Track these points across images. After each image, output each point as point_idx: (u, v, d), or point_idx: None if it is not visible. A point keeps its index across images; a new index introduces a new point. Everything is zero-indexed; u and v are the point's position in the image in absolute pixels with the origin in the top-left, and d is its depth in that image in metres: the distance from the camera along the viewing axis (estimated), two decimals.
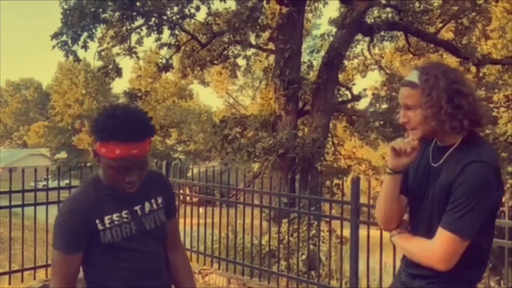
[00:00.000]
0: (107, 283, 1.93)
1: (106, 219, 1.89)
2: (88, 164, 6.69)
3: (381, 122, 11.46)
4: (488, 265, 4.09)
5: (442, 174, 1.94)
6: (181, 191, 6.50)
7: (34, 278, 5.46)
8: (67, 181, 6.04)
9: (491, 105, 11.33)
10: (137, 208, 1.95)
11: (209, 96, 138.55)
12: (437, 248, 1.89)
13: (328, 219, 5.60)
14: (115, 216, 1.90)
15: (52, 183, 6.42)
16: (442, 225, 1.89)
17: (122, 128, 1.80)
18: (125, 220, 1.92)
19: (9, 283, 5.26)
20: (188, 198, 6.89)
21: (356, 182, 4.72)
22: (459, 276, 1.94)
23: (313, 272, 6.04)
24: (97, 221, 1.88)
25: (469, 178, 1.83)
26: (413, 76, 1.96)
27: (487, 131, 12.30)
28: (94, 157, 1.91)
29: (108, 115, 1.84)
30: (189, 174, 7.19)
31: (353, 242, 4.66)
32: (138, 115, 1.88)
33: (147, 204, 1.98)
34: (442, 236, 1.88)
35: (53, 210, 5.52)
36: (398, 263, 3.90)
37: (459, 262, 1.89)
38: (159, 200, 2.02)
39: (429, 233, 1.96)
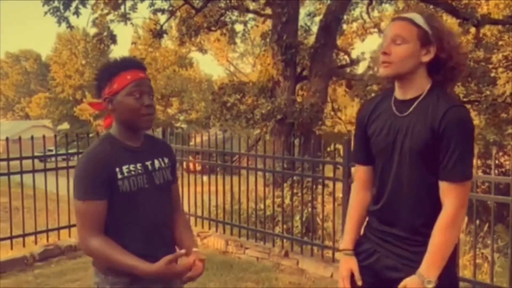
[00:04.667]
0: (122, 232, 1.99)
1: (124, 169, 2.01)
2: (91, 135, 6.71)
3: (380, 86, 11.43)
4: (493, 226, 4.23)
5: (416, 123, 1.92)
6: (184, 158, 6.58)
7: (36, 243, 5.60)
8: (71, 150, 6.07)
9: (490, 66, 11.26)
10: (148, 163, 2.09)
11: (210, 65, 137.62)
12: (456, 205, 1.87)
13: (328, 182, 5.69)
14: (131, 167, 2.03)
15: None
16: (447, 178, 1.88)
17: (125, 60, 2.09)
18: (139, 171, 2.05)
19: (11, 248, 5.39)
20: (191, 165, 6.96)
21: (347, 143, 4.76)
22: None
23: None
24: (117, 169, 1.99)
25: (457, 124, 1.84)
26: (415, 17, 1.95)
27: (487, 92, 12.27)
28: (107, 105, 2.04)
29: (108, 62, 2.14)
30: (192, 143, 7.24)
31: (344, 201, 4.74)
32: (129, 56, 2.30)
33: (156, 161, 2.13)
34: (453, 190, 1.87)
35: (52, 178, 5.63)
36: None
37: (434, 217, 1.90)
38: (166, 160, 2.17)
39: (397, 183, 1.98)
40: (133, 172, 2.03)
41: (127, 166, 2.02)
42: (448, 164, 1.85)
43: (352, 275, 2.11)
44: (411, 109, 1.95)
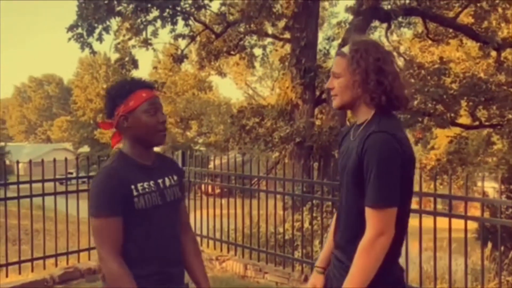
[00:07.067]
0: (138, 248, 2.05)
1: (139, 186, 2.06)
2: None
3: None
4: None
5: (355, 147, 2.00)
6: (203, 181, 6.57)
7: (56, 266, 5.61)
8: (92, 173, 6.12)
9: None
10: (159, 181, 2.15)
11: (229, 88, 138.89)
12: (372, 232, 1.89)
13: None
14: (145, 184, 2.09)
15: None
16: (366, 203, 1.91)
17: (139, 80, 2.20)
18: (153, 189, 2.10)
19: (32, 271, 5.42)
20: (210, 188, 6.95)
21: None
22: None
23: None
24: (132, 186, 2.05)
25: (371, 149, 1.89)
26: (345, 48, 2.08)
27: (509, 116, 12.09)
28: (122, 123, 2.09)
29: (121, 81, 2.24)
30: (211, 166, 7.24)
31: None
32: (138, 76, 2.34)
33: (167, 179, 2.18)
34: (369, 215, 1.90)
35: (73, 200, 5.67)
36: (409, 246, 3.92)
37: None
38: (175, 178, 2.23)
39: (342, 207, 2.09)
40: (147, 190, 2.08)
41: (141, 184, 2.07)
42: (367, 190, 1.90)
43: None
44: (356, 135, 2.03)
